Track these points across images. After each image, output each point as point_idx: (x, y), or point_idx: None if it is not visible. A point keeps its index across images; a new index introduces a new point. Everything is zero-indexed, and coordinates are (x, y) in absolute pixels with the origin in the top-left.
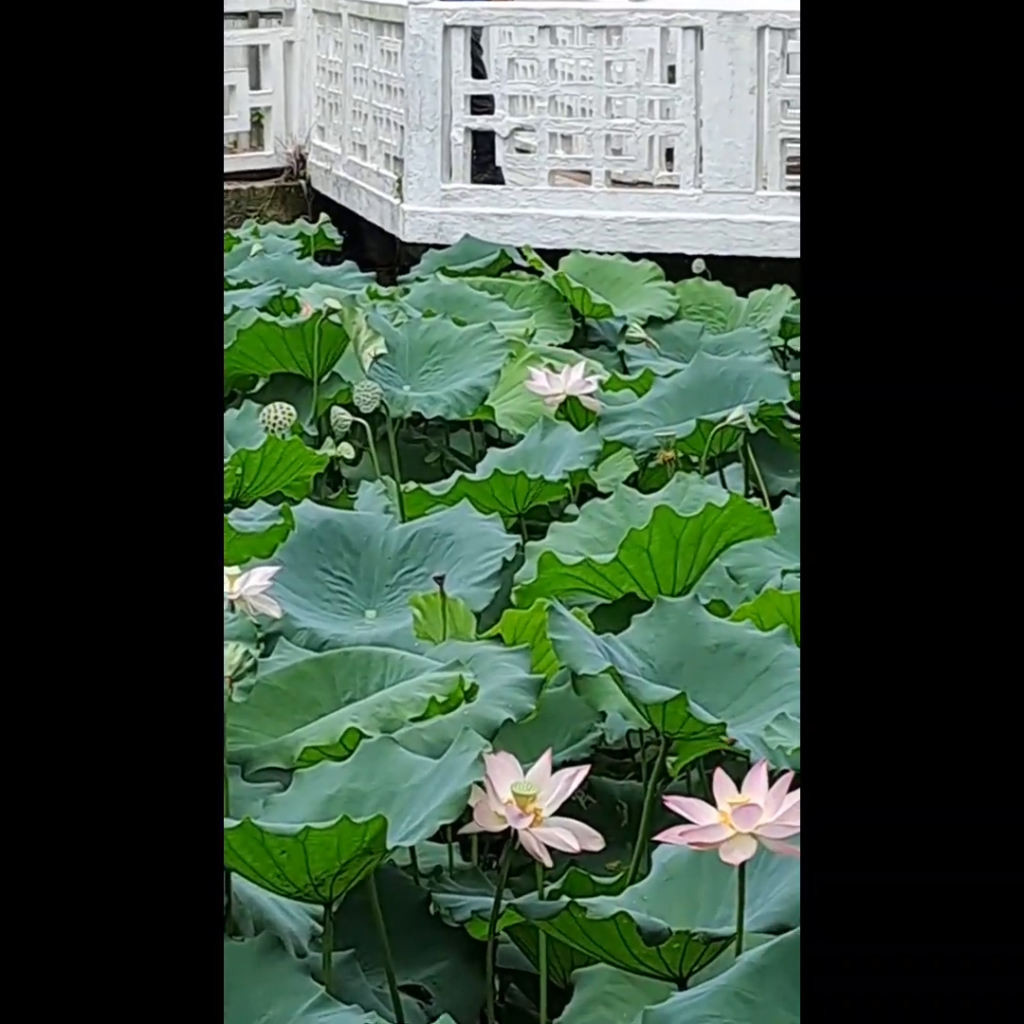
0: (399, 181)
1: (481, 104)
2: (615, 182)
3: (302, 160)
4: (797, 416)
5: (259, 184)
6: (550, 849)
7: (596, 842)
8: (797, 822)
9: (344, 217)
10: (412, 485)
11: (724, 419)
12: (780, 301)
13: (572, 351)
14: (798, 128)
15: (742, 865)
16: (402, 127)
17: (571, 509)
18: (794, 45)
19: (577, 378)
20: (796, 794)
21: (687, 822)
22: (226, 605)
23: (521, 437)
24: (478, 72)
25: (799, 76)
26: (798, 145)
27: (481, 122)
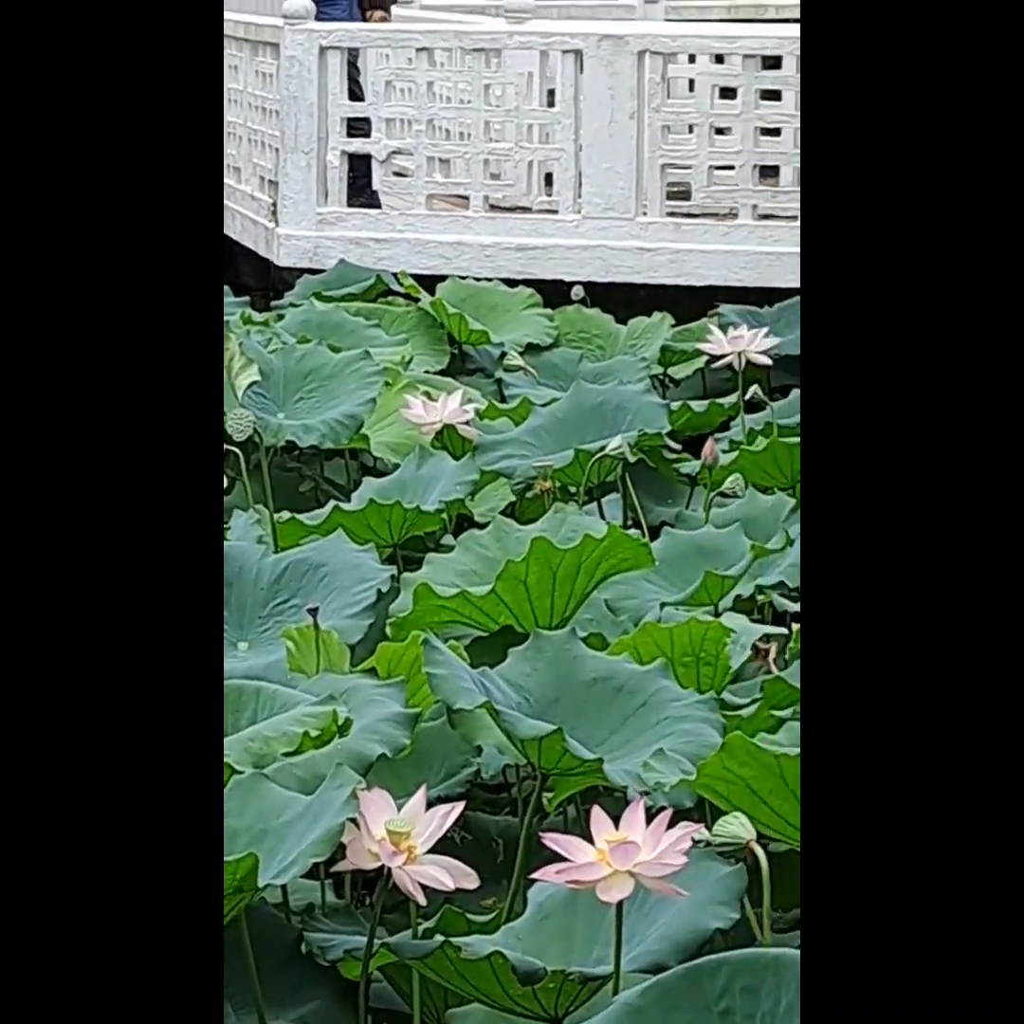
0: (274, 204)
1: (358, 127)
2: (493, 207)
3: None
4: (676, 446)
5: None
6: (424, 887)
7: (471, 880)
8: (675, 861)
9: None
10: (286, 515)
11: (602, 449)
12: (660, 329)
13: (449, 379)
14: (679, 153)
15: (619, 904)
16: (277, 149)
17: (448, 540)
18: (674, 69)
19: (454, 406)
20: (674, 832)
21: (564, 859)
22: None
23: (397, 466)
24: (355, 94)
25: (687, 99)
26: (679, 171)
27: (358, 145)
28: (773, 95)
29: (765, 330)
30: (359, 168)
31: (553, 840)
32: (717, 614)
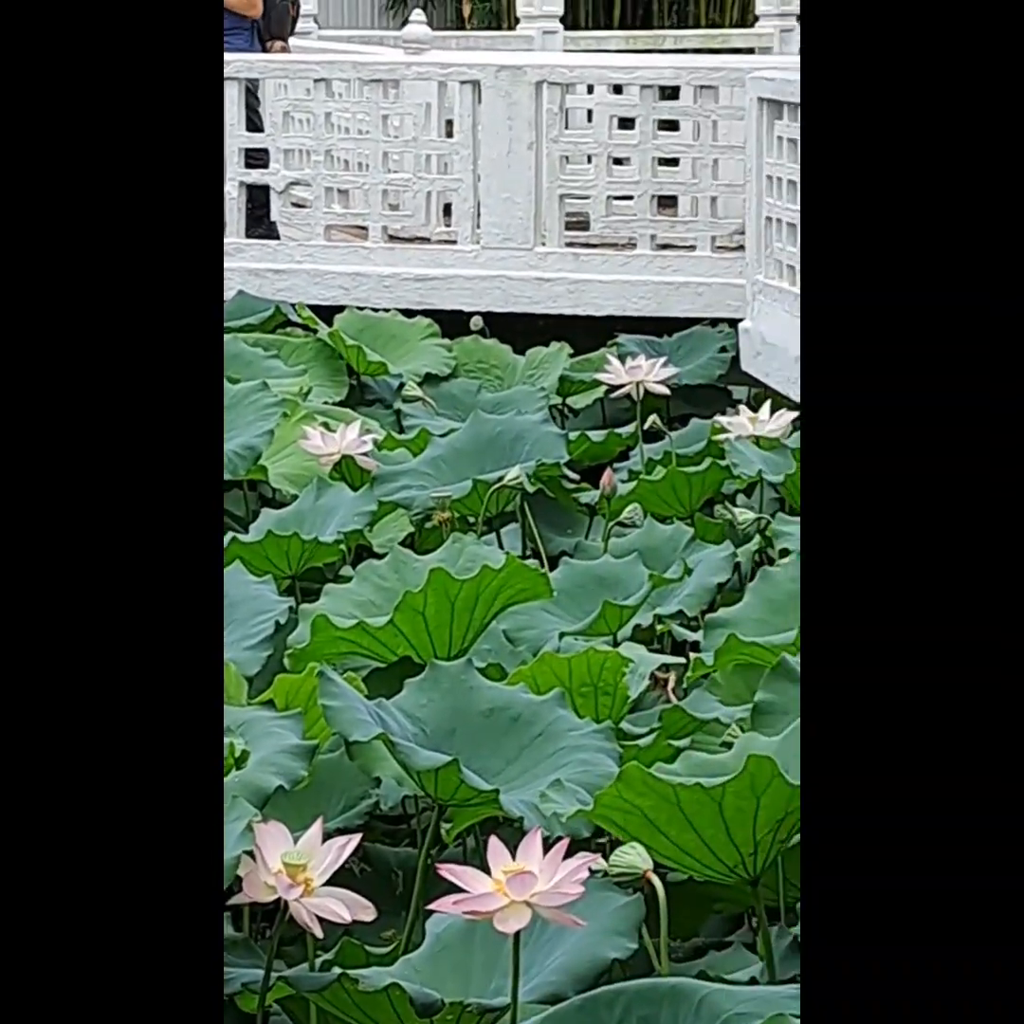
0: None
1: (256, 157)
2: (392, 237)
3: None
4: (575, 476)
5: None
6: (322, 919)
7: (368, 912)
8: (571, 891)
9: None
10: None
11: (500, 479)
12: (558, 359)
13: (348, 409)
14: (577, 183)
15: (516, 934)
16: None
17: (346, 571)
18: (572, 100)
19: (352, 437)
20: (570, 862)
21: (461, 890)
22: None
23: (295, 497)
24: (254, 125)
25: (585, 129)
26: (577, 201)
27: (256, 176)
28: (671, 125)
29: (663, 360)
30: (257, 199)
31: (449, 871)
32: (616, 644)
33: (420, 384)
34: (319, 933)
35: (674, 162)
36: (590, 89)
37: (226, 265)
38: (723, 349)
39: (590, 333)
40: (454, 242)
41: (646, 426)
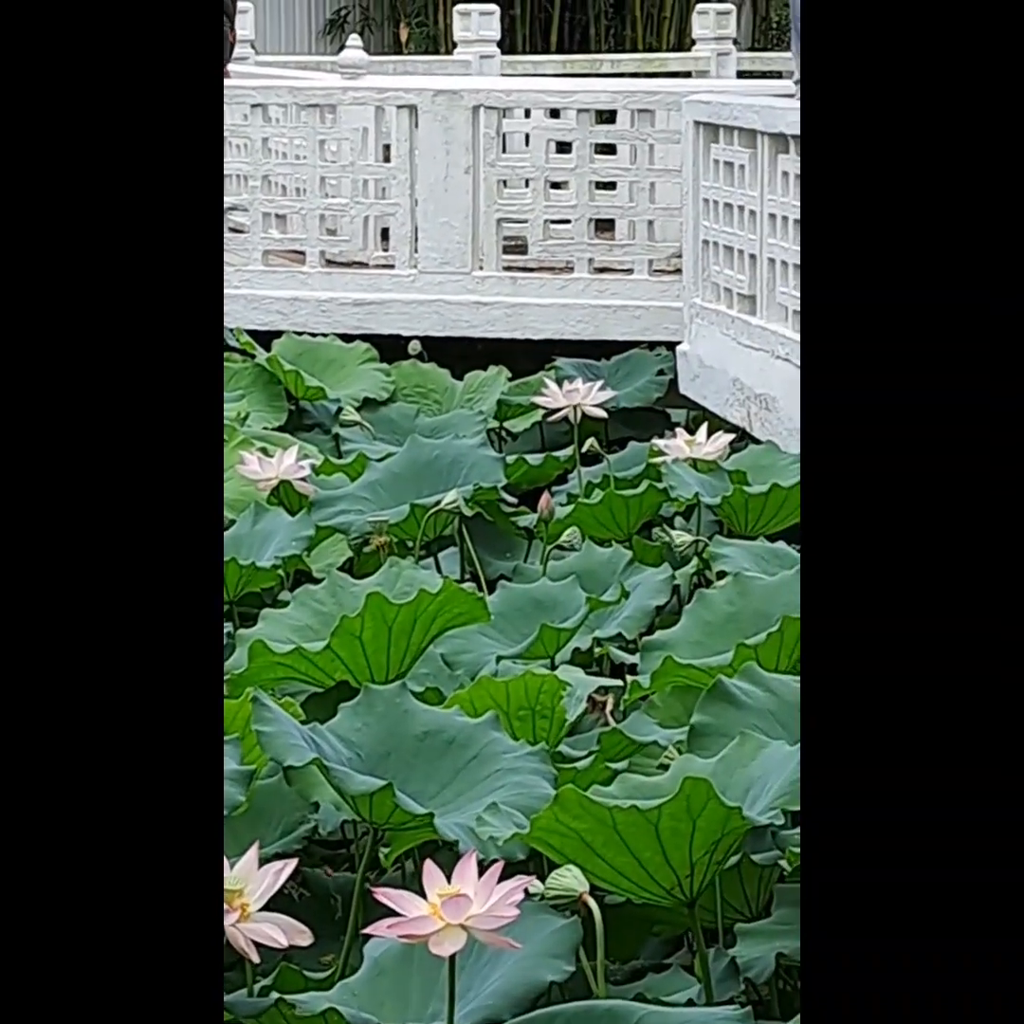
0: None
1: None
2: (330, 262)
3: None
4: (512, 499)
5: None
6: (259, 944)
7: (305, 937)
8: (507, 914)
9: None
10: None
11: (438, 503)
12: (496, 382)
13: (286, 434)
14: (514, 207)
15: (452, 957)
16: None
17: (284, 595)
18: (509, 124)
19: (290, 462)
20: (506, 885)
21: (397, 914)
22: None
23: (233, 522)
24: None
25: (522, 153)
26: (514, 225)
27: None
28: (608, 149)
29: (601, 383)
30: None
31: (385, 895)
32: (554, 667)
33: (358, 409)
34: (255, 958)
35: (611, 186)
36: (527, 113)
37: None
38: (661, 372)
39: (528, 357)
40: (392, 267)
41: (584, 449)
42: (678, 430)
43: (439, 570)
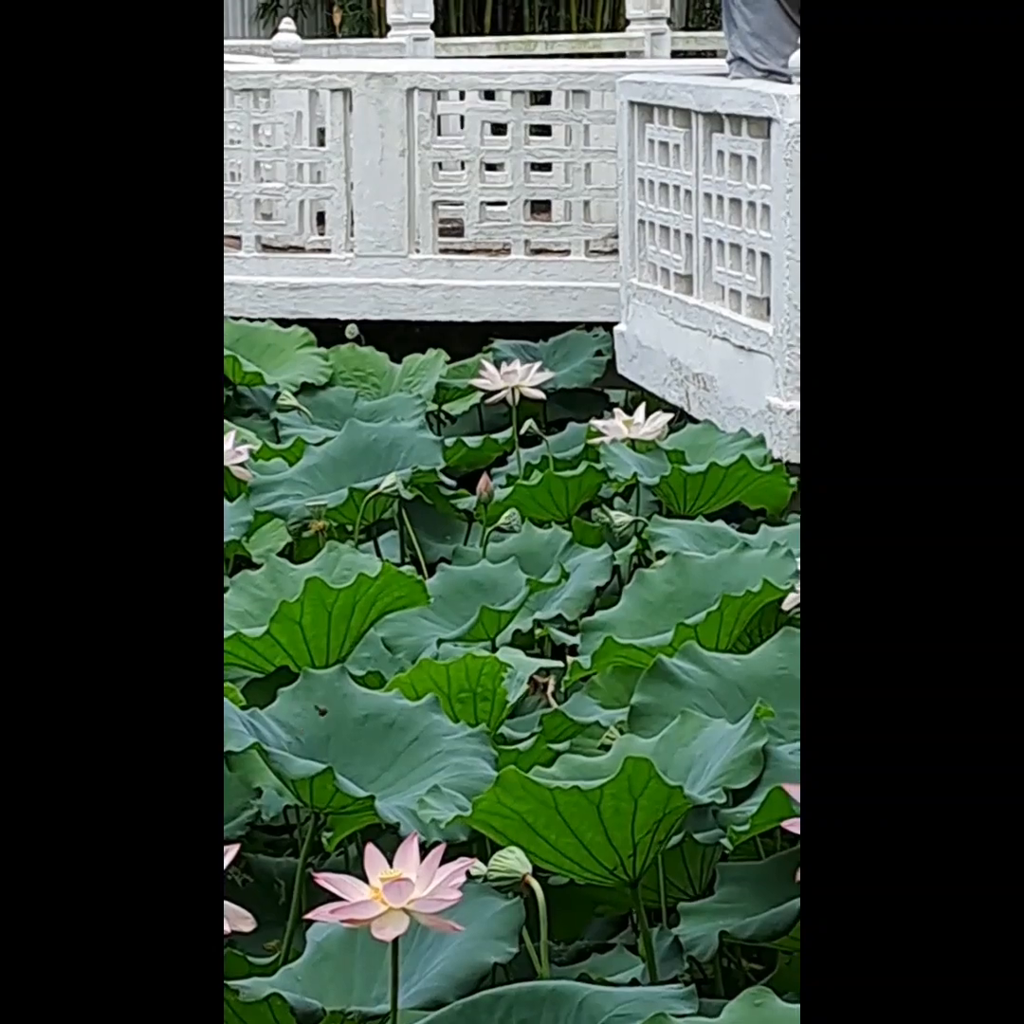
0: None
1: None
2: (265, 247)
3: None
4: (452, 482)
5: None
6: None
7: (247, 923)
8: (449, 897)
9: None
10: None
11: (376, 487)
12: (434, 365)
13: (224, 420)
14: (450, 190)
15: (395, 941)
16: None
17: (224, 581)
18: (444, 106)
19: (228, 448)
20: (448, 868)
21: (340, 899)
22: None
23: None
24: None
25: (457, 135)
26: (451, 207)
27: None
28: (543, 130)
29: (539, 365)
30: None
31: (327, 879)
32: (494, 649)
33: (296, 393)
34: None
35: (547, 167)
36: (462, 95)
37: None
38: (599, 353)
39: (466, 339)
40: (328, 251)
41: (522, 431)
42: (616, 411)
43: (379, 554)
